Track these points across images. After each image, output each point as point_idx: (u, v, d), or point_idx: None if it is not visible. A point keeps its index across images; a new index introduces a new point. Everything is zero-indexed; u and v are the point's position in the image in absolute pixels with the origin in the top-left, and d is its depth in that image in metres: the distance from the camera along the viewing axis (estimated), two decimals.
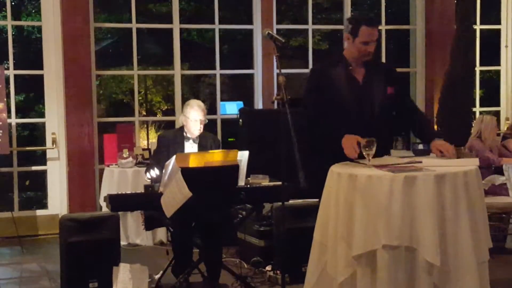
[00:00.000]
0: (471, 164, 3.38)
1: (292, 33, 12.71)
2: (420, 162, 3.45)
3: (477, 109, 8.66)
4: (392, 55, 10.82)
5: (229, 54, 12.78)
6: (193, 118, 4.75)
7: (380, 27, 8.20)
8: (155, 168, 4.53)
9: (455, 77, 7.63)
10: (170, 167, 4.32)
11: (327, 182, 3.45)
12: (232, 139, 8.46)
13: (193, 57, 12.31)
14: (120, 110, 12.25)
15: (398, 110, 3.97)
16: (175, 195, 4.14)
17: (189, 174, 4.12)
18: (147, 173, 4.58)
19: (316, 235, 3.50)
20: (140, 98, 13.56)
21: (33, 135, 11.34)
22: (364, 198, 3.17)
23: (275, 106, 5.94)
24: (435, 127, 8.00)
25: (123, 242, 6.36)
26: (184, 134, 4.84)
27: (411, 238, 3.10)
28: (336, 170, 3.39)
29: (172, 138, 4.85)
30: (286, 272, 4.88)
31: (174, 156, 4.29)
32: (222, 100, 10.69)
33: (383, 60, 8.26)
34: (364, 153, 3.43)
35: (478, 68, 8.47)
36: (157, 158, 4.76)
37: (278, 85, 3.33)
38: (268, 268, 5.10)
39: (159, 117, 13.18)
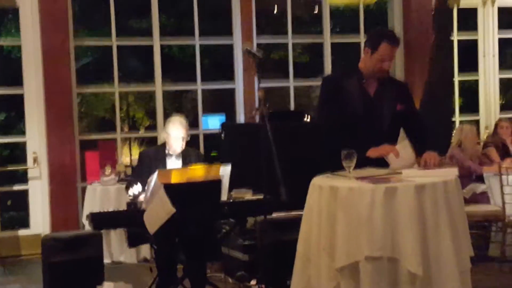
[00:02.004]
0: (450, 174, 3.42)
1: (273, 47, 12.75)
2: (400, 173, 3.47)
3: (457, 118, 8.73)
4: None
5: (211, 67, 12.77)
6: (174, 135, 4.75)
7: (358, 39, 8.29)
8: (137, 184, 4.51)
9: (433, 87, 7.70)
10: (152, 183, 4.31)
11: (308, 195, 3.47)
12: (215, 153, 8.44)
13: (175, 72, 12.31)
14: (103, 127, 12.20)
15: (406, 127, 3.97)
16: (158, 211, 4.13)
17: (171, 190, 4.11)
18: (128, 190, 4.56)
19: (299, 248, 3.51)
20: (122, 114, 13.52)
21: (15, 155, 11.23)
22: (346, 210, 3.19)
23: (256, 120, 6.00)
24: None
25: (106, 260, 6.29)
26: (166, 151, 4.83)
27: (393, 249, 3.12)
28: (317, 183, 3.41)
29: (153, 154, 4.84)
30: (271, 286, 4.90)
31: (156, 172, 4.28)
32: (204, 113, 10.71)
33: None
34: (344, 165, 3.46)
35: (456, 78, 8.55)
36: (138, 174, 4.75)
37: (258, 99, 3.35)
38: (253, 282, 5.10)
39: (141, 133, 13.12)
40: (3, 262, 6.37)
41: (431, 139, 3.94)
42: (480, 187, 6.34)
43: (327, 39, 8.15)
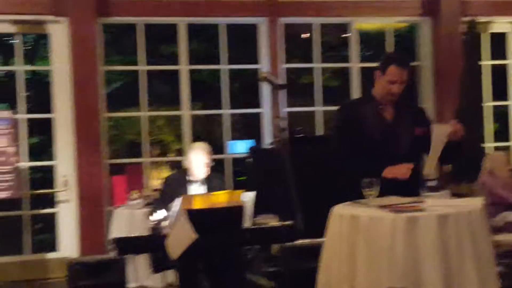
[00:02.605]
0: (476, 203, 3.35)
1: (302, 71, 12.78)
2: (423, 201, 3.42)
3: (491, 144, 8.58)
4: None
5: (240, 91, 12.84)
6: (196, 161, 4.77)
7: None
8: (160, 210, 4.52)
9: (463, 114, 7.60)
10: (175, 209, 4.32)
11: (329, 224, 3.44)
12: (242, 178, 8.45)
13: (205, 96, 12.39)
14: (134, 150, 12.32)
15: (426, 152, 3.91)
16: (180, 237, 4.13)
17: (194, 216, 4.11)
18: (152, 215, 4.58)
19: (320, 277, 3.46)
20: (152, 138, 13.64)
21: (46, 178, 11.39)
22: (367, 239, 3.15)
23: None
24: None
25: (133, 284, 6.33)
26: (189, 177, 4.85)
27: (415, 280, 3.06)
28: (338, 212, 3.38)
29: (176, 180, 4.87)
30: None
31: (179, 198, 4.30)
32: (234, 138, 10.73)
33: None
34: (364, 194, 3.42)
35: (488, 104, 8.41)
36: (162, 200, 4.77)
37: (277, 126, 3.35)
38: None
39: (167, 157, 13.23)
40: (32, 285, 6.42)
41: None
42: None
43: (355, 64, 8.13)
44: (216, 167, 6.80)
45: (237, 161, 8.14)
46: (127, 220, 6.48)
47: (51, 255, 7.12)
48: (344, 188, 3.72)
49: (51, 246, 7.54)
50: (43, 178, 11.43)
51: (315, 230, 3.63)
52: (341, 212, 3.34)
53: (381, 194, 3.49)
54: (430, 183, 7.52)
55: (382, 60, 3.88)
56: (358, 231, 3.19)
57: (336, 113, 4.07)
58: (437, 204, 3.34)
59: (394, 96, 3.83)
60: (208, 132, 13.94)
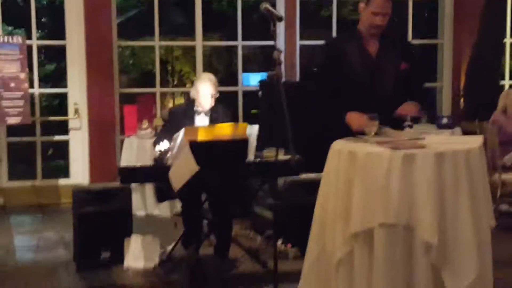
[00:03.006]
0: (475, 141, 3.29)
1: (324, 3, 12.51)
2: (423, 138, 3.36)
3: (507, 82, 8.42)
4: (419, 26, 10.58)
5: (259, 23, 12.66)
6: (203, 92, 4.73)
7: None
8: (164, 141, 4.52)
9: (482, 50, 7.43)
10: (178, 140, 4.32)
11: (328, 159, 3.41)
12: (255, 111, 8.43)
13: (223, 27, 12.25)
14: (150, 80, 12.31)
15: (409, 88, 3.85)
16: (182, 169, 4.15)
17: (197, 148, 4.11)
18: (156, 146, 4.59)
19: (316, 213, 3.47)
20: (169, 68, 13.60)
21: (64, 104, 11.47)
22: (363, 175, 3.12)
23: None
24: (461, 100, 7.85)
25: (141, 213, 6.44)
26: (195, 107, 4.82)
27: (409, 217, 3.04)
28: (336, 147, 3.34)
29: (182, 111, 4.84)
30: (297, 246, 4.90)
31: (183, 129, 4.29)
32: (249, 71, 10.65)
33: (410, 31, 8.08)
34: (365, 129, 3.38)
35: (508, 40, 8.20)
36: (166, 130, 4.76)
37: (273, 61, 3.28)
38: (279, 241, 5.09)
39: (180, 88, 13.21)
40: (42, 210, 6.56)
41: (421, 94, 3.82)
42: None
43: None
44: (229, 99, 6.78)
45: (250, 94, 8.10)
46: (137, 149, 6.53)
47: (62, 181, 7.23)
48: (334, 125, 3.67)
49: (64, 172, 7.66)
50: (61, 105, 11.54)
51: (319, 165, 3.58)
52: (339, 148, 3.31)
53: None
54: (442, 121, 7.49)
55: None
56: (354, 167, 3.15)
57: (320, 50, 3.97)
58: (436, 141, 3.29)
59: (378, 28, 3.72)
60: (225, 64, 13.86)
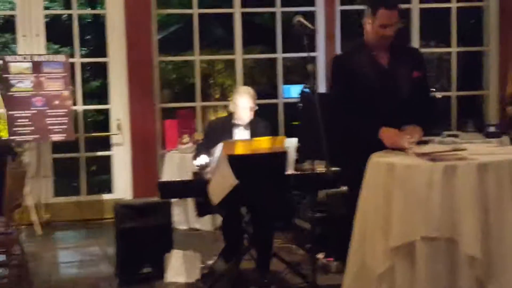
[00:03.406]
0: None
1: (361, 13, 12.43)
2: (465, 149, 3.27)
3: None
4: (466, 34, 10.38)
5: (300, 35, 12.62)
6: (242, 105, 4.71)
7: (450, 5, 7.90)
8: (203, 155, 4.52)
9: None
10: (217, 154, 4.31)
11: (367, 171, 3.35)
12: (296, 123, 8.37)
13: (263, 40, 12.25)
14: (192, 94, 12.40)
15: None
16: (221, 182, 4.13)
17: (235, 162, 4.09)
18: (195, 160, 4.59)
19: (356, 225, 3.40)
20: (211, 81, 13.66)
21: (108, 120, 11.65)
22: (403, 188, 3.05)
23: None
24: (509, 108, 7.64)
25: (183, 227, 6.46)
26: (234, 121, 4.81)
27: (452, 230, 2.96)
28: (375, 159, 3.28)
29: (221, 125, 4.83)
30: (339, 260, 4.82)
31: (221, 143, 4.27)
32: (291, 83, 10.60)
33: (455, 38, 7.94)
34: (405, 141, 3.31)
35: None
36: (205, 144, 4.75)
37: (308, 74, 3.24)
38: (321, 255, 5.02)
39: (220, 102, 13.23)
40: (86, 225, 6.63)
41: (435, 111, 3.72)
42: None
43: (416, 5, 7.81)
44: (270, 112, 6.75)
45: (291, 106, 8.05)
46: (178, 164, 6.55)
47: (106, 197, 7.31)
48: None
49: (108, 187, 7.75)
50: (105, 121, 11.73)
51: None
52: (378, 160, 3.25)
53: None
54: (490, 129, 7.31)
55: (370, 5, 3.66)
56: (394, 180, 3.09)
57: (330, 66, 3.92)
58: (478, 152, 3.19)
59: (388, 39, 3.66)
60: (268, 76, 13.85)
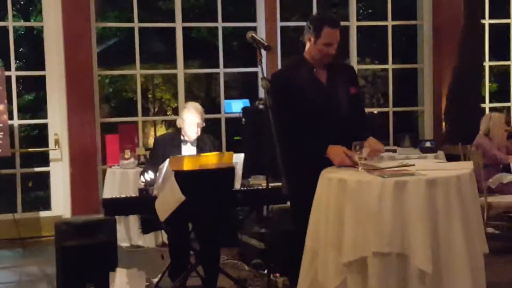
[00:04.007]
0: (465, 167, 3.28)
1: (302, 29, 12.61)
2: (413, 165, 3.34)
3: (487, 104, 8.49)
4: (400, 51, 10.68)
5: (239, 50, 12.69)
6: (189, 121, 4.68)
7: (386, 23, 8.11)
8: (149, 171, 4.46)
9: (462, 73, 7.52)
10: (164, 170, 4.26)
11: (318, 187, 3.37)
12: (238, 138, 8.38)
13: (202, 55, 12.25)
14: (130, 108, 12.25)
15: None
16: (168, 199, 4.08)
17: (183, 177, 4.05)
18: (141, 176, 4.52)
19: (307, 241, 3.42)
20: (150, 96, 13.54)
21: (43, 135, 11.36)
22: (354, 203, 3.09)
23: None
24: (443, 124, 7.89)
25: (125, 244, 6.34)
26: (182, 137, 4.77)
27: (403, 245, 3.01)
28: (326, 175, 3.31)
29: (169, 141, 4.78)
30: (285, 275, 4.83)
31: (168, 159, 4.23)
32: (230, 97, 10.62)
33: (390, 55, 8.15)
34: (356, 157, 3.35)
35: (487, 63, 8.29)
36: (152, 161, 4.69)
37: (263, 89, 3.25)
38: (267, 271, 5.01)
39: (162, 117, 13.17)
40: (23, 244, 6.42)
41: (370, 126, 3.83)
42: (507, 177, 6.14)
43: (353, 22, 7.97)
44: (212, 126, 6.73)
45: (233, 121, 8.05)
46: (119, 179, 6.44)
47: (43, 214, 7.10)
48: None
49: (45, 204, 7.53)
50: (41, 135, 11.43)
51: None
52: (329, 175, 3.28)
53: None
54: (425, 144, 7.52)
55: (313, 23, 3.71)
56: (345, 195, 3.12)
57: (270, 82, 3.96)
58: (426, 168, 3.27)
59: (330, 57, 3.74)
60: (206, 91, 13.84)
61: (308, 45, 3.77)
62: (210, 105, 11.64)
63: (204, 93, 13.75)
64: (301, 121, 3.68)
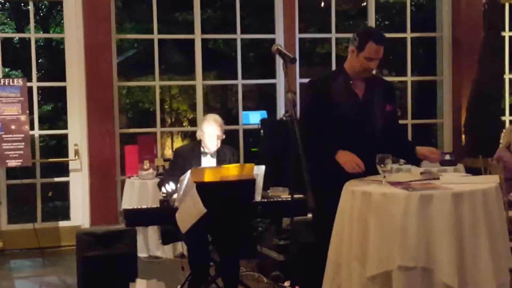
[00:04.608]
0: (491, 181, 3.25)
1: (319, 40, 12.63)
2: (438, 178, 3.33)
3: (507, 117, 8.43)
4: (418, 63, 10.65)
5: (255, 62, 12.72)
6: (209, 133, 4.68)
7: (405, 35, 8.10)
8: (170, 182, 4.46)
9: (483, 86, 7.48)
10: (185, 182, 4.26)
11: (341, 199, 3.37)
12: (255, 149, 8.39)
13: (219, 66, 12.30)
14: (147, 119, 12.30)
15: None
16: (190, 210, 4.08)
17: (204, 189, 4.05)
18: (162, 188, 4.52)
19: (330, 254, 3.41)
20: (166, 107, 13.59)
21: (61, 145, 11.42)
22: (379, 217, 3.08)
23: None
24: (463, 136, 7.84)
25: (143, 255, 6.34)
26: (202, 148, 4.77)
27: (428, 259, 3.00)
28: (350, 187, 3.30)
29: (189, 152, 4.77)
30: None
31: (189, 171, 4.23)
32: (247, 109, 10.65)
33: (409, 67, 8.13)
34: (379, 170, 3.34)
35: (507, 76, 8.25)
36: (172, 172, 4.69)
37: (288, 102, 3.25)
38: (287, 283, 5.00)
39: (180, 127, 13.21)
40: (43, 253, 6.45)
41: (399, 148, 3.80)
42: None
43: None
44: (229, 138, 6.74)
45: (250, 132, 8.05)
46: (138, 190, 6.44)
47: (63, 224, 7.12)
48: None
49: (64, 214, 7.56)
50: (58, 145, 11.50)
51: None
52: (353, 188, 3.27)
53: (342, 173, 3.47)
54: (445, 157, 7.46)
55: (359, 36, 3.70)
56: (370, 208, 3.11)
57: (306, 89, 3.95)
58: (452, 181, 3.25)
59: (370, 72, 3.74)
60: (222, 102, 13.88)
61: (349, 56, 3.76)
62: (227, 116, 11.66)
63: (220, 104, 13.78)
64: (332, 133, 3.67)
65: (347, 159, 3.51)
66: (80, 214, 7.06)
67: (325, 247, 3.46)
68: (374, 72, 3.90)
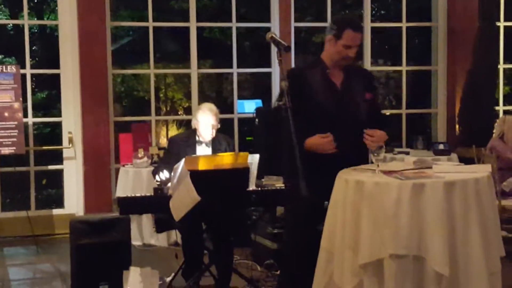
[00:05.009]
0: (483, 170, 3.27)
1: (315, 30, 12.61)
2: (430, 167, 3.34)
3: (501, 107, 8.45)
4: (413, 52, 10.64)
5: (251, 50, 12.69)
6: (204, 122, 4.68)
7: (400, 24, 8.09)
8: (164, 171, 4.47)
9: (477, 76, 7.49)
10: (179, 170, 4.26)
11: (334, 188, 3.37)
12: (250, 138, 8.40)
13: (214, 54, 12.27)
14: (141, 107, 12.26)
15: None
16: (183, 199, 4.09)
17: (198, 178, 4.05)
18: (156, 176, 4.52)
19: (323, 242, 3.42)
20: (161, 95, 13.56)
21: (55, 133, 11.39)
22: (371, 205, 3.09)
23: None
24: (457, 126, 7.86)
25: (138, 243, 6.36)
26: (197, 137, 4.77)
27: (419, 247, 3.01)
28: (343, 176, 3.31)
29: (184, 141, 4.78)
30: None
31: (183, 159, 4.23)
32: (242, 97, 10.65)
33: (404, 57, 8.14)
34: (373, 159, 3.35)
35: (501, 66, 8.26)
36: (166, 160, 4.70)
37: (281, 91, 3.25)
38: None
39: (175, 116, 13.19)
40: (37, 241, 6.45)
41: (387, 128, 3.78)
42: None
43: (367, 24, 7.96)
44: (224, 127, 6.74)
45: (245, 121, 8.05)
46: (132, 178, 6.45)
47: (56, 211, 7.13)
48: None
49: (58, 202, 7.56)
50: (52, 133, 11.47)
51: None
52: (346, 177, 3.27)
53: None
54: (438, 147, 7.49)
55: (336, 23, 3.71)
56: (363, 197, 3.12)
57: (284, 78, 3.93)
58: (444, 170, 3.26)
59: (349, 60, 3.73)
60: (217, 91, 13.84)
61: (327, 45, 3.75)
62: (222, 105, 11.63)
63: (215, 93, 13.75)
64: (312, 123, 3.66)
65: (314, 142, 3.52)
66: (74, 202, 7.06)
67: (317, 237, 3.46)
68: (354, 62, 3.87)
